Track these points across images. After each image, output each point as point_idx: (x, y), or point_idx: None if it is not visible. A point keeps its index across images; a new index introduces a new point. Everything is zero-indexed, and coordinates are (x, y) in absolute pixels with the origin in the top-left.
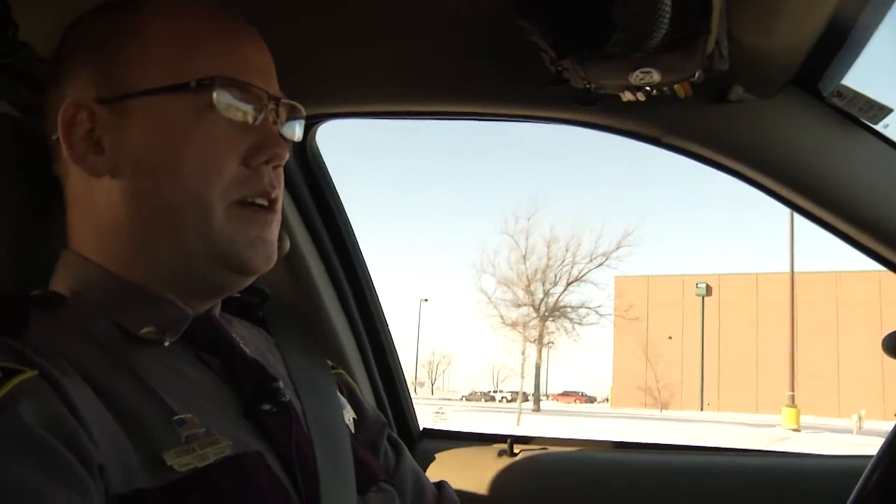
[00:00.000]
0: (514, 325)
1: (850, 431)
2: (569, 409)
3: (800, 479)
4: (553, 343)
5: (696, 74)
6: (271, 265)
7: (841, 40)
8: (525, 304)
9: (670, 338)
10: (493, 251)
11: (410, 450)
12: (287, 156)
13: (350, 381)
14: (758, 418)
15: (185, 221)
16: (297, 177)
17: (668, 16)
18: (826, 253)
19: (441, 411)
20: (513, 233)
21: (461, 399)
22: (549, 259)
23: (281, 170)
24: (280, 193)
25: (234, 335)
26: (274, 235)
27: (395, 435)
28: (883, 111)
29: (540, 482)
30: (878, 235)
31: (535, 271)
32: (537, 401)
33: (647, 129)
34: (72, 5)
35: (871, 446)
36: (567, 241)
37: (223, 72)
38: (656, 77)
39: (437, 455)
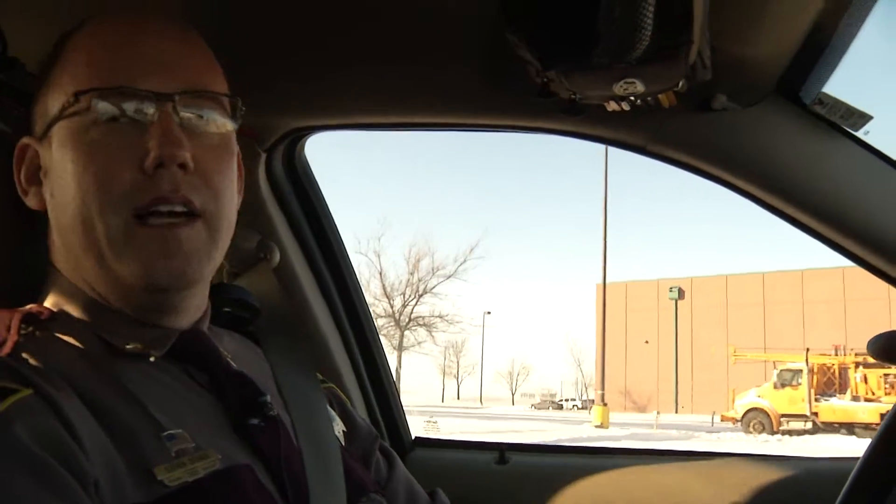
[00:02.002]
0: (384, 335)
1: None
2: (431, 410)
3: (791, 481)
4: (408, 349)
5: (680, 84)
6: (187, 279)
7: (821, 49)
8: (388, 316)
9: (647, 342)
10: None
11: (403, 459)
12: (184, 154)
13: (341, 395)
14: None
15: (92, 242)
16: (287, 188)
17: (650, 27)
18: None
19: (433, 420)
20: (365, 252)
21: (530, 407)
22: (409, 275)
23: (205, 173)
24: (203, 198)
25: (222, 350)
26: (190, 246)
27: (387, 445)
28: (863, 118)
29: (532, 490)
30: (859, 239)
31: (394, 285)
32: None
33: (632, 138)
34: (60, 20)
35: (663, 439)
36: (413, 258)
37: (105, 81)
38: (640, 87)
39: (429, 464)
